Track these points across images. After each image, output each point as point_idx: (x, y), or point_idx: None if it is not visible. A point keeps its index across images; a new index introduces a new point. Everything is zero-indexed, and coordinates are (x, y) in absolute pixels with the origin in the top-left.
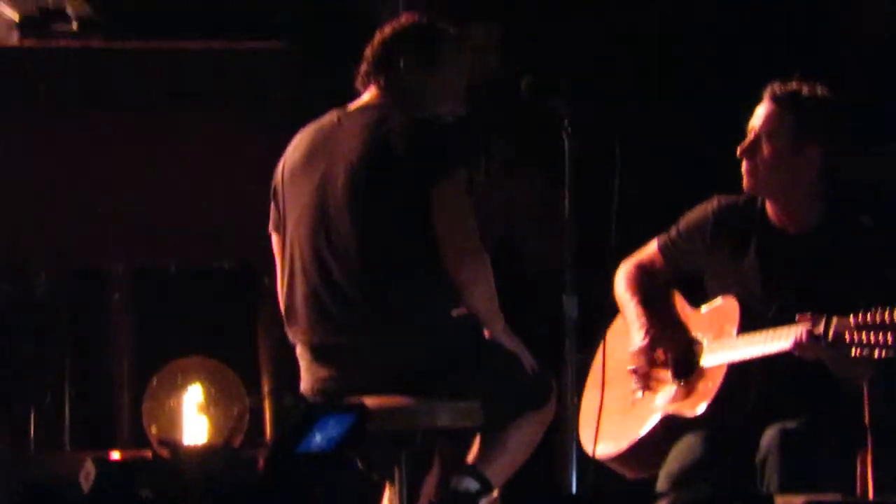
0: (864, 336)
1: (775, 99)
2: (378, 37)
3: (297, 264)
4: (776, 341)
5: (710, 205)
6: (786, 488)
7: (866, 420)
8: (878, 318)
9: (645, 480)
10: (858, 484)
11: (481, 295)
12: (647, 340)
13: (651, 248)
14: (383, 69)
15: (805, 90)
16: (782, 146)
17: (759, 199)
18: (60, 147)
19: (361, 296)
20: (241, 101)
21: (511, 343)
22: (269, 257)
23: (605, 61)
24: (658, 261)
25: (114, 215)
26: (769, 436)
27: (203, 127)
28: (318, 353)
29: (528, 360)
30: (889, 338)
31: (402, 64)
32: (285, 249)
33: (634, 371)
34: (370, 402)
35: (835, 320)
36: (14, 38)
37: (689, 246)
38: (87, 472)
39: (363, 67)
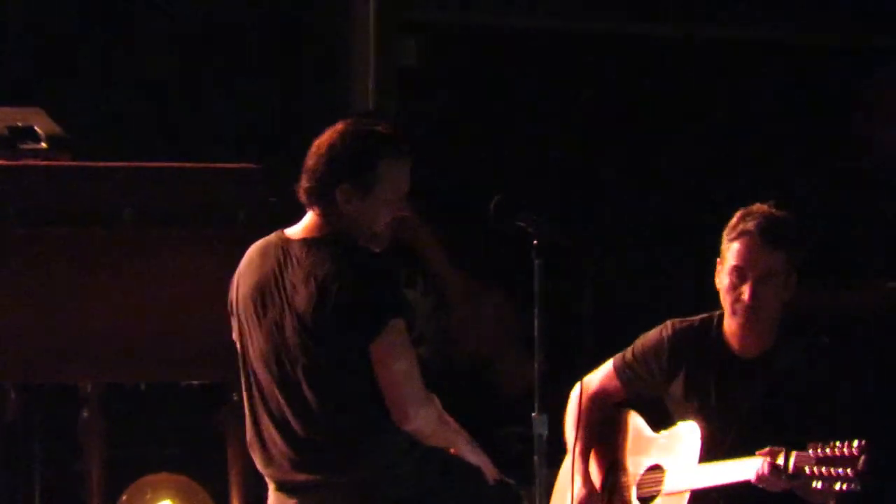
0: (824, 470)
1: (766, 238)
2: (316, 154)
3: (259, 403)
4: (738, 472)
5: (665, 331)
6: None
7: None
8: (837, 452)
9: None
10: None
11: (435, 439)
12: (583, 488)
13: (607, 371)
14: (319, 198)
15: (784, 221)
16: (779, 284)
17: (715, 321)
18: (30, 264)
19: (323, 440)
20: (210, 219)
21: (474, 457)
22: (238, 374)
23: (565, 176)
24: (614, 384)
25: (84, 332)
26: None
27: (172, 245)
28: (285, 488)
29: (490, 472)
30: (849, 471)
31: (337, 195)
32: (248, 380)
33: None
34: None
35: (794, 454)
36: None
37: (644, 371)
38: None
39: (303, 183)
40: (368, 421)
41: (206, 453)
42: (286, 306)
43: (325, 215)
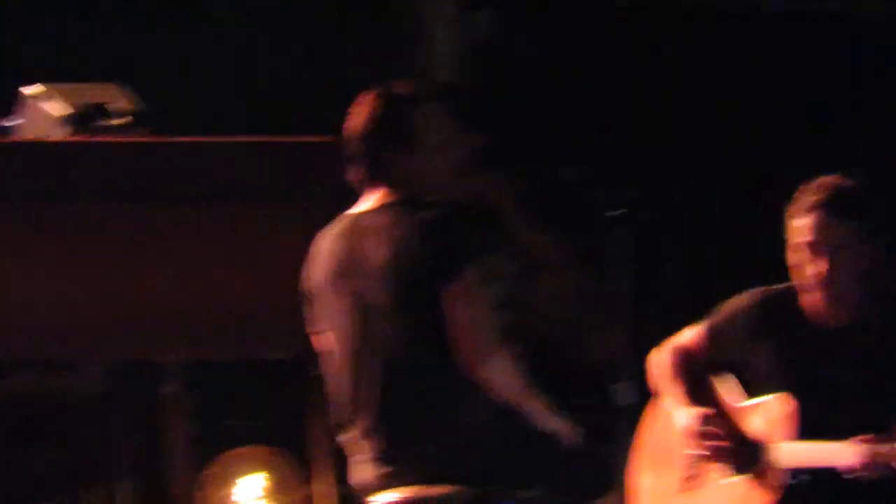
0: None
1: (835, 209)
2: (353, 132)
3: (344, 378)
4: (841, 455)
5: (751, 297)
6: None
7: None
8: None
9: None
10: None
11: (507, 391)
12: (698, 422)
13: (692, 335)
14: (372, 168)
15: (852, 190)
16: (855, 254)
17: (792, 292)
18: (112, 241)
19: (405, 405)
20: (288, 193)
21: (550, 422)
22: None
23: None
24: (700, 348)
25: (166, 309)
26: None
27: (251, 220)
28: (368, 457)
29: (571, 438)
30: None
31: (384, 158)
32: (334, 366)
33: (693, 454)
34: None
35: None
36: (60, 133)
37: (729, 337)
38: None
39: (352, 170)
40: (450, 383)
41: (289, 427)
42: (367, 273)
43: (384, 186)
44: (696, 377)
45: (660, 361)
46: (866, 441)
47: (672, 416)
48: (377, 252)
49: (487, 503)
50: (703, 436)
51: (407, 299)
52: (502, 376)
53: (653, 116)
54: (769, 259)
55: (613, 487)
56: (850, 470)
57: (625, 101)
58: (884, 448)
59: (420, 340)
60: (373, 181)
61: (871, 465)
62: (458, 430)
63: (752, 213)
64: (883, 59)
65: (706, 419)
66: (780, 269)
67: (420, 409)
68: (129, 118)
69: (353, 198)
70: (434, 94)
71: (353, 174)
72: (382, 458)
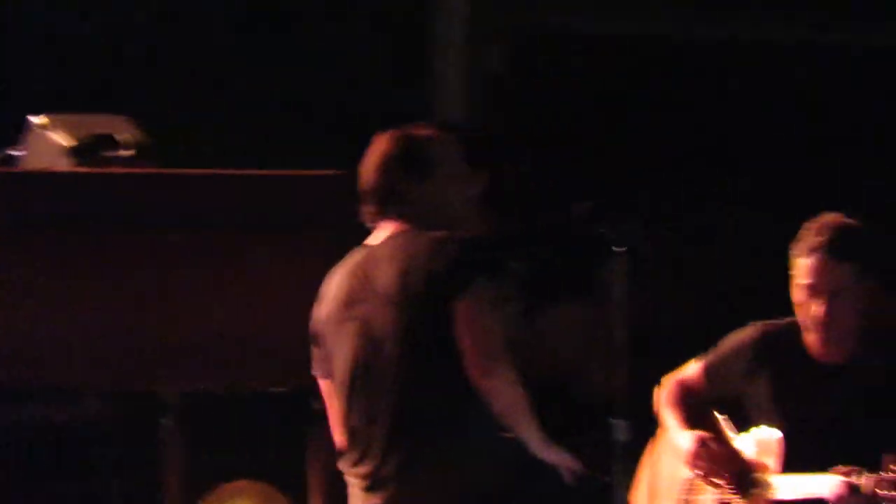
0: None
1: (834, 253)
2: (369, 167)
3: (349, 405)
4: (815, 488)
5: (751, 331)
6: None
7: None
8: None
9: None
10: None
11: (509, 408)
12: (697, 444)
13: (693, 369)
14: (386, 200)
15: (853, 232)
16: (853, 296)
17: (797, 326)
18: (113, 270)
19: (412, 421)
20: (295, 226)
21: (545, 452)
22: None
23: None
24: (701, 381)
25: (164, 339)
26: None
27: (257, 252)
28: (375, 485)
29: (571, 466)
30: None
31: (399, 189)
32: (337, 392)
33: (692, 471)
34: None
35: (865, 475)
36: (65, 164)
37: (727, 371)
38: None
39: (366, 205)
40: (456, 402)
41: (286, 461)
42: (374, 298)
43: (396, 217)
44: (695, 408)
45: (662, 393)
46: (840, 473)
47: (671, 446)
48: (386, 275)
49: None
50: (701, 457)
51: (415, 318)
52: (507, 387)
53: (659, 149)
54: (771, 294)
55: None
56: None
57: (630, 134)
58: (857, 480)
59: (427, 364)
60: (386, 214)
61: (843, 497)
62: (466, 457)
63: (755, 245)
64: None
65: (704, 442)
66: (782, 304)
67: (426, 437)
68: (134, 150)
69: (361, 232)
70: (448, 129)
71: (367, 209)
72: (386, 484)
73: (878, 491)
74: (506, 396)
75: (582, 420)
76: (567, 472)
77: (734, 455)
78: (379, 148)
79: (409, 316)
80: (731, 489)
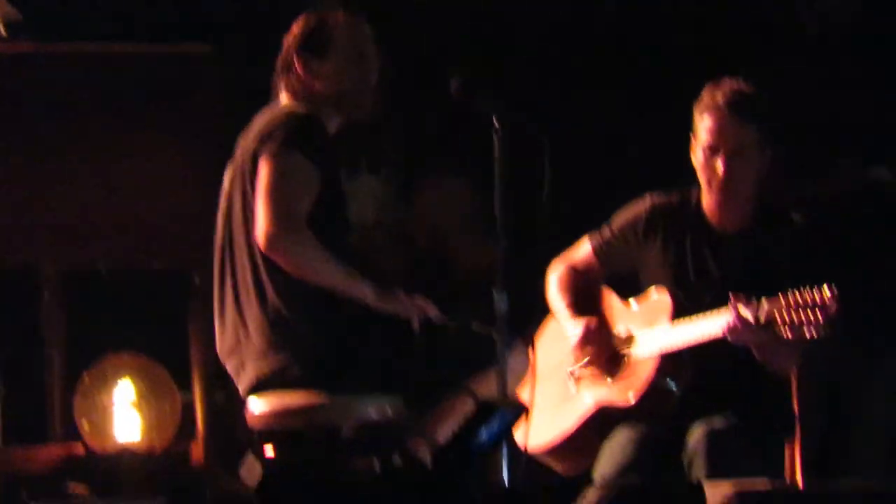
0: (794, 316)
1: (735, 111)
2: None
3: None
4: (708, 326)
5: (644, 203)
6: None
7: (795, 408)
8: (808, 298)
9: (576, 477)
10: (787, 471)
11: (312, 272)
12: (581, 335)
13: (584, 248)
14: (285, 72)
15: (754, 94)
16: (752, 157)
17: (694, 195)
18: None
19: (258, 299)
20: (169, 103)
21: (383, 303)
22: (199, 256)
23: (530, 57)
24: (591, 260)
25: (45, 215)
26: (696, 435)
27: (132, 129)
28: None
29: (421, 312)
30: (819, 316)
31: (297, 62)
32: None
33: (573, 368)
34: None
35: (765, 301)
36: None
37: (622, 245)
38: (251, 468)
39: (274, 76)
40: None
41: (167, 335)
42: (235, 164)
43: (290, 90)
44: (586, 290)
45: (551, 280)
46: (732, 305)
47: (560, 333)
48: (243, 145)
49: None
50: (586, 345)
51: (248, 183)
52: (299, 254)
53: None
54: (662, 168)
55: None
56: (715, 343)
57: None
58: (750, 307)
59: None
60: (282, 83)
61: (736, 328)
62: (316, 333)
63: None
64: None
65: (589, 331)
66: (673, 179)
67: (277, 313)
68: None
69: (233, 108)
70: (358, 12)
71: (273, 82)
72: (252, 362)
73: (776, 315)
74: (303, 265)
75: (464, 293)
76: (417, 319)
77: (614, 337)
78: (296, 23)
79: (244, 180)
80: (608, 370)
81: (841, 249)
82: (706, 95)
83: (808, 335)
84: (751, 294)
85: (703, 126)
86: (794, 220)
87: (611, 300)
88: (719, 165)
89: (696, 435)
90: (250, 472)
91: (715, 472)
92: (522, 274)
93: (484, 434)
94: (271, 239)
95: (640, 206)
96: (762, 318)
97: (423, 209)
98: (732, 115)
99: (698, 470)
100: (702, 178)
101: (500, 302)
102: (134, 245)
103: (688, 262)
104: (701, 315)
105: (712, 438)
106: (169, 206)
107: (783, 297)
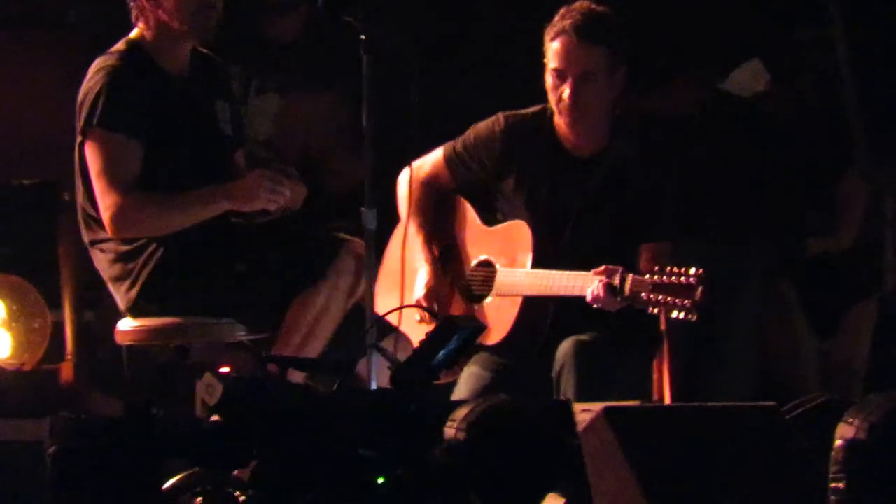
0: (660, 297)
1: (583, 35)
2: None
3: None
4: (572, 285)
5: (497, 124)
6: (582, 398)
7: (662, 326)
8: (674, 280)
9: None
10: (655, 390)
11: (156, 220)
12: (431, 273)
13: (437, 159)
14: (134, 1)
15: (603, 16)
16: (602, 80)
17: (548, 115)
18: None
19: None
20: (39, 20)
21: (229, 202)
22: (68, 174)
23: None
24: (444, 173)
25: None
26: (564, 348)
27: (8, 43)
28: None
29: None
30: (686, 302)
31: None
32: None
33: (422, 303)
34: None
35: (630, 278)
36: None
37: (475, 163)
38: (211, 386)
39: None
40: None
41: (37, 254)
42: None
43: (142, 20)
44: (438, 204)
45: (402, 185)
46: (598, 273)
47: (412, 252)
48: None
49: None
50: (430, 298)
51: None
52: (134, 212)
53: None
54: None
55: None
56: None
57: None
58: (616, 280)
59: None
60: (133, 16)
61: (600, 297)
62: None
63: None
64: None
65: (433, 284)
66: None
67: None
68: None
69: (107, 27)
70: None
71: None
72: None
73: (642, 294)
74: (145, 220)
75: (333, 208)
76: (273, 203)
77: (467, 267)
78: None
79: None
80: (469, 304)
81: (694, 161)
82: (557, 19)
83: (674, 315)
84: (608, 226)
85: (552, 49)
86: (649, 136)
87: (468, 217)
88: (566, 90)
89: (563, 348)
90: (209, 390)
91: (585, 385)
92: (391, 191)
93: (441, 351)
94: (114, 226)
95: (493, 126)
96: (626, 293)
97: (293, 124)
98: (580, 40)
99: (566, 383)
100: (552, 101)
101: (369, 219)
102: (3, 163)
103: (543, 189)
104: (566, 274)
105: (580, 349)
106: (37, 120)
107: (649, 276)
